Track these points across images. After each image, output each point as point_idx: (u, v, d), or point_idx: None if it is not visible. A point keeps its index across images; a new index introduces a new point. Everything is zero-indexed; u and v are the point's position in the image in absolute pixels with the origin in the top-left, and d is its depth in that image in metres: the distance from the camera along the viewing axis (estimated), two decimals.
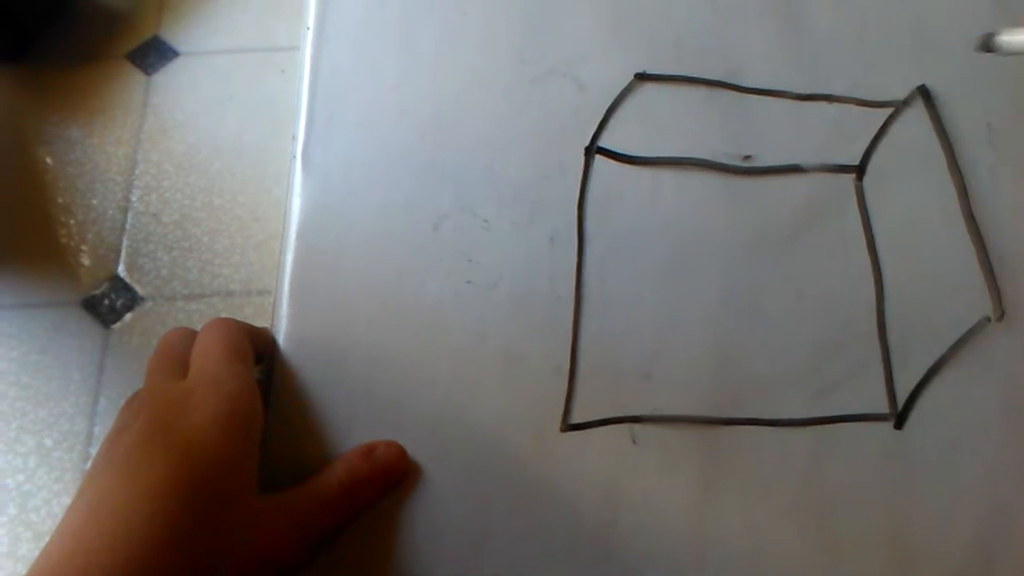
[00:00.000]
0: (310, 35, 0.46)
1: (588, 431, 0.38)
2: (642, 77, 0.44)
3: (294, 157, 0.43)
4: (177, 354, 0.38)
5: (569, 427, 0.38)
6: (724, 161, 0.42)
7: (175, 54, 0.55)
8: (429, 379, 0.39)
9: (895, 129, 0.42)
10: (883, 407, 0.38)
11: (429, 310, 0.40)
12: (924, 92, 0.42)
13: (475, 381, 0.39)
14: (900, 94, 0.42)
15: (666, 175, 0.42)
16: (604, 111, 0.43)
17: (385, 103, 0.44)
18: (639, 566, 0.36)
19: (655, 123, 0.43)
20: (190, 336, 0.39)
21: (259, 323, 0.41)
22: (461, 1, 0.46)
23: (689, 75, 0.44)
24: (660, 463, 0.38)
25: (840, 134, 0.42)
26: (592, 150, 0.43)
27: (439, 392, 0.39)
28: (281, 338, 0.40)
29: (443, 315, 0.40)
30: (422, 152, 0.43)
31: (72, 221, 0.50)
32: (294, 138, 0.44)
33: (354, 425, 0.39)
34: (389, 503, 0.37)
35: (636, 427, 0.38)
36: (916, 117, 0.42)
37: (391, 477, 0.37)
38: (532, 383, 0.39)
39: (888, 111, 0.42)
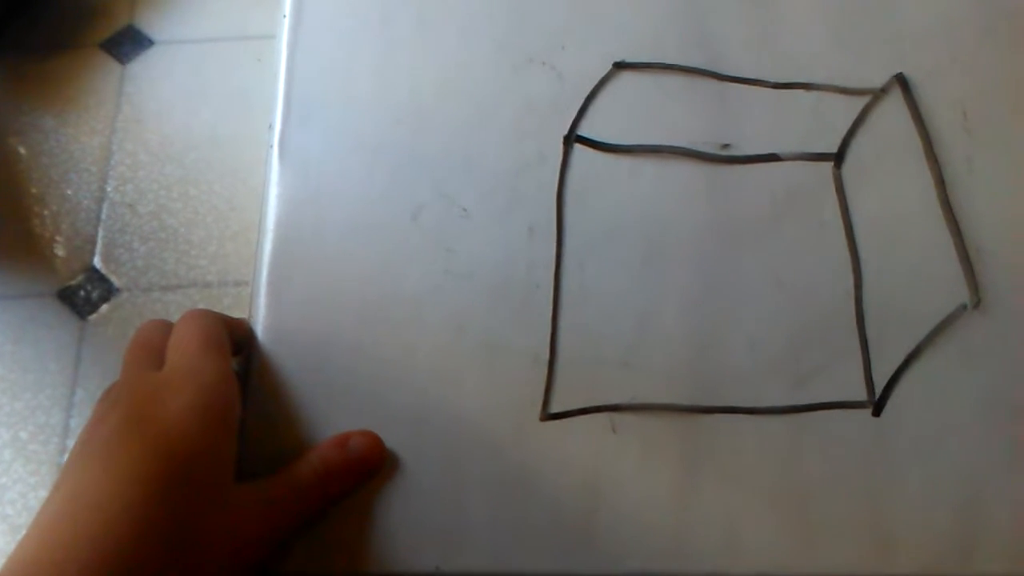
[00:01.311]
0: (287, 23, 0.45)
1: (568, 420, 0.38)
2: (620, 66, 0.43)
3: (271, 147, 0.43)
4: (153, 346, 0.38)
5: (549, 416, 0.38)
6: (703, 149, 0.42)
7: (150, 43, 0.54)
8: (408, 369, 0.39)
9: (873, 117, 0.42)
10: (861, 395, 0.38)
11: (408, 299, 0.40)
12: (901, 80, 0.42)
13: (454, 371, 0.39)
14: (878, 82, 0.42)
15: (645, 164, 0.42)
16: (583, 100, 0.43)
17: (363, 92, 0.44)
18: (619, 555, 0.36)
19: (634, 112, 0.43)
20: (166, 327, 0.39)
21: (236, 314, 0.41)
22: None
23: (668, 63, 0.43)
24: (640, 452, 0.38)
25: (819, 122, 0.42)
26: (571, 139, 0.42)
27: (418, 382, 0.39)
28: (259, 329, 0.40)
29: (422, 305, 0.40)
30: (400, 141, 0.43)
31: (46, 212, 0.49)
32: (271, 127, 0.43)
33: (332, 415, 0.39)
34: (368, 493, 0.37)
35: (616, 416, 0.38)
36: (894, 105, 0.42)
37: (366, 466, 0.37)
38: (511, 373, 0.39)
39: (866, 99, 0.42)
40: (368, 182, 0.42)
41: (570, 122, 0.43)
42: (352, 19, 0.45)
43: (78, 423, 0.43)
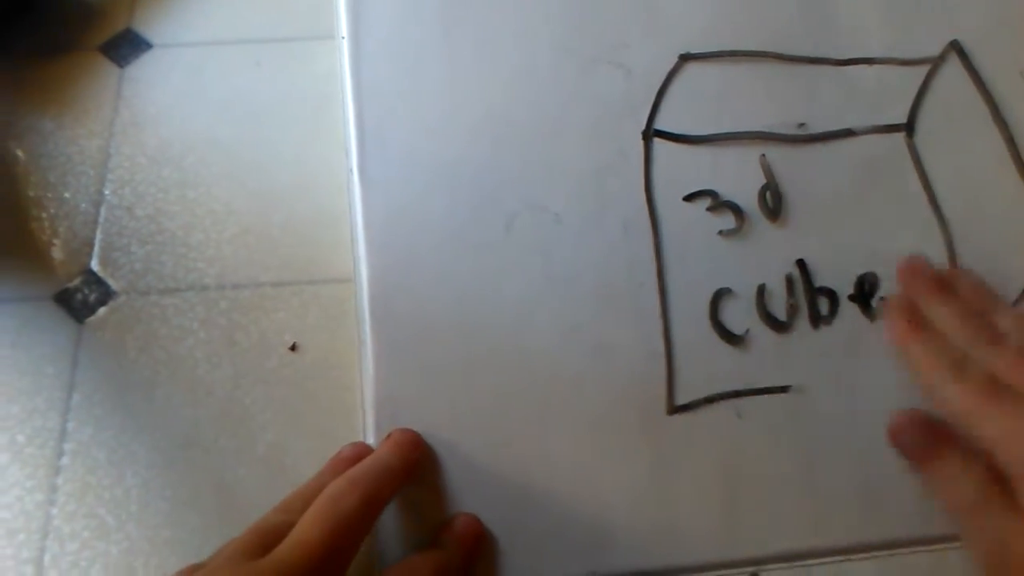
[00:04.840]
0: (346, 46, 0.43)
1: (694, 411, 0.38)
2: (686, 57, 0.43)
3: (350, 171, 0.41)
4: (268, 529, 0.31)
5: (675, 409, 0.38)
6: (779, 131, 0.41)
7: (148, 46, 0.50)
8: (527, 381, 0.38)
9: (935, 85, 0.42)
10: None
11: (513, 311, 0.39)
12: (957, 47, 0.43)
13: (573, 377, 0.38)
14: (934, 50, 0.43)
15: (725, 151, 0.42)
16: (654, 94, 0.42)
17: (434, 109, 0.42)
18: (762, 539, 0.36)
19: (706, 101, 0.42)
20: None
21: (239, 316, 0.40)
22: None
23: (732, 50, 0.42)
24: (768, 435, 0.37)
25: (884, 94, 0.42)
26: (649, 134, 0.42)
27: (537, 391, 0.38)
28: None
29: (528, 314, 0.39)
30: (479, 156, 0.41)
31: (44, 215, 0.46)
32: (347, 153, 0.41)
33: (458, 433, 0.37)
34: (510, 505, 0.36)
35: (739, 401, 0.38)
36: (953, 72, 0.43)
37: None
38: (630, 370, 0.38)
39: (926, 68, 0.43)
40: (454, 200, 0.41)
41: (645, 118, 0.42)
42: (412, 38, 0.43)
43: (75, 427, 0.40)
